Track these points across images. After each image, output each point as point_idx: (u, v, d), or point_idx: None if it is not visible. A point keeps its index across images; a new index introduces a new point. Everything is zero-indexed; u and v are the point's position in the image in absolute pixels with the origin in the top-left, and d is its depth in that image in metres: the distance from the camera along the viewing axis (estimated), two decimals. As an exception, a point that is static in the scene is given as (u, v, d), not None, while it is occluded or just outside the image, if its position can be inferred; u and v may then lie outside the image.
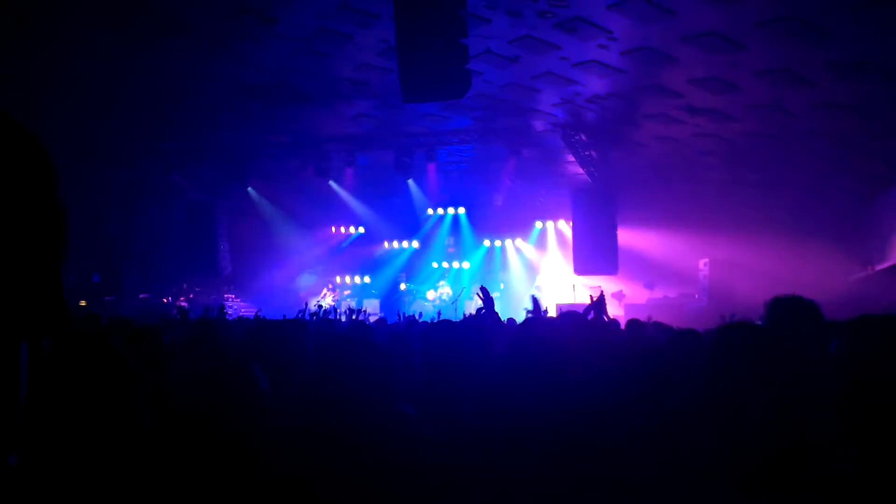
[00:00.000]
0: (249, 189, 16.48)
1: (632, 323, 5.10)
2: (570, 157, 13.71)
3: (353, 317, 9.54)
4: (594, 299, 4.52)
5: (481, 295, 3.87)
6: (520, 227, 17.91)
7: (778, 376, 2.23)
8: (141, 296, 15.22)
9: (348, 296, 17.79)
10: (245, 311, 14.32)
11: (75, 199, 14.30)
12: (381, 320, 8.56)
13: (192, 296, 16.18)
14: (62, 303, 0.72)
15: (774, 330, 2.80)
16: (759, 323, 2.91)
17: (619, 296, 14.94)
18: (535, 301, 3.95)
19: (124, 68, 10.02)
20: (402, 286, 18.40)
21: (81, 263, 14.89)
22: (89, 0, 7.74)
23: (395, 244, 19.11)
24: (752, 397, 2.25)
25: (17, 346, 0.67)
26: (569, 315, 3.64)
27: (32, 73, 9.96)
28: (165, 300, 14.25)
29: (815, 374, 2.51)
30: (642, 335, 4.78)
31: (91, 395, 1.72)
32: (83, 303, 14.49)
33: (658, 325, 5.32)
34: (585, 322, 3.45)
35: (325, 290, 17.44)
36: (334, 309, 15.99)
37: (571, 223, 15.08)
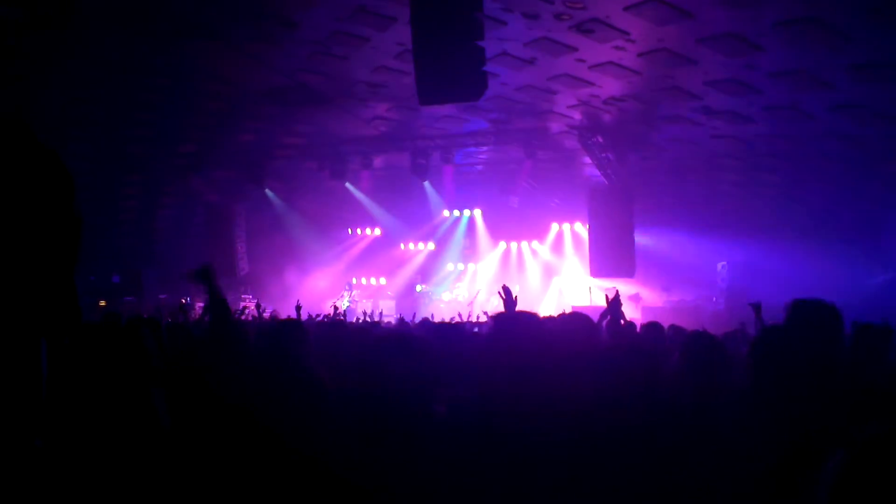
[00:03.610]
0: (267, 191, 16.60)
1: (649, 326, 5.06)
2: (587, 159, 13.67)
3: (365, 319, 9.58)
4: (609, 300, 4.47)
5: (503, 294, 3.61)
6: (536, 229, 17.88)
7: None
8: (160, 296, 15.37)
9: (359, 295, 17.88)
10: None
11: (96, 201, 14.48)
12: (400, 321, 8.54)
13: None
14: (76, 304, 0.77)
15: (795, 333, 2.78)
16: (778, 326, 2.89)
17: (635, 298, 14.86)
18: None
19: (144, 72, 10.14)
20: (418, 287, 18.44)
21: (102, 264, 15.07)
22: (108, 4, 7.84)
23: (411, 246, 19.14)
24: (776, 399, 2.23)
25: (37, 342, 0.72)
26: (576, 316, 3.55)
27: (52, 77, 10.10)
28: (184, 300, 14.37)
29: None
30: (660, 339, 4.75)
31: (109, 386, 1.75)
32: (103, 302, 14.67)
33: (676, 329, 5.30)
34: (593, 325, 3.37)
35: (343, 292, 17.54)
36: (351, 311, 16.08)
37: (588, 225, 15.03)
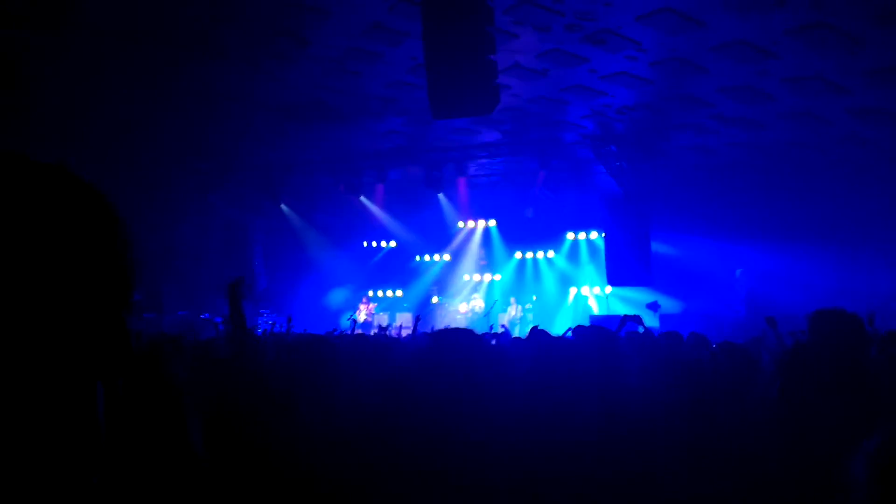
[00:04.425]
0: (283, 206, 16.74)
1: (669, 335, 5.05)
2: (601, 168, 13.66)
3: (382, 332, 9.62)
4: (624, 318, 4.53)
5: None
6: (551, 238, 17.83)
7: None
8: (180, 312, 15.50)
9: (378, 308, 17.92)
10: (277, 327, 14.49)
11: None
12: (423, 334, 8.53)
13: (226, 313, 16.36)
14: (129, 347, 0.82)
15: (819, 345, 2.77)
16: (801, 336, 2.89)
17: (654, 307, 14.75)
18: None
19: (161, 90, 10.30)
20: (434, 299, 18.45)
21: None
22: (125, 23, 7.98)
23: (427, 257, 19.19)
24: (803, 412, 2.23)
25: (93, 385, 0.76)
26: (595, 330, 3.57)
27: (71, 96, 10.28)
28: (203, 317, 14.49)
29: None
30: (679, 347, 4.74)
31: (140, 413, 1.77)
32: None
33: (696, 337, 5.27)
34: (612, 338, 3.39)
35: (360, 306, 17.59)
36: (368, 324, 16.13)
37: (603, 234, 14.98)
